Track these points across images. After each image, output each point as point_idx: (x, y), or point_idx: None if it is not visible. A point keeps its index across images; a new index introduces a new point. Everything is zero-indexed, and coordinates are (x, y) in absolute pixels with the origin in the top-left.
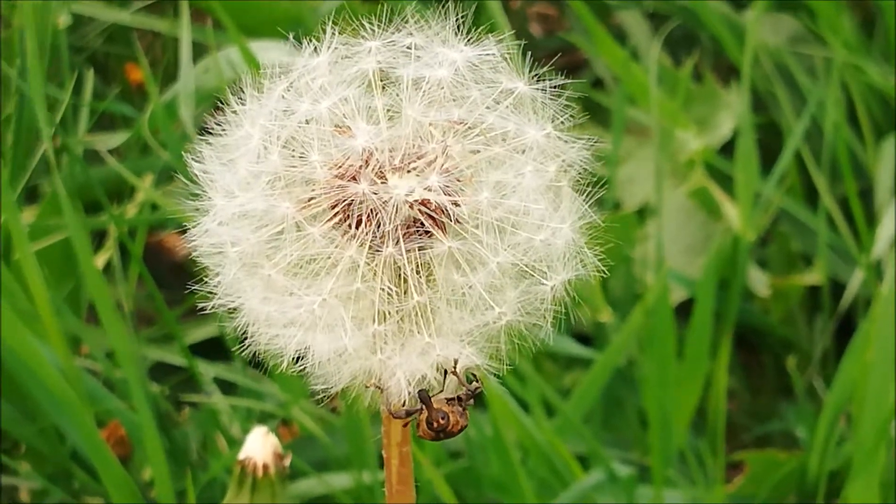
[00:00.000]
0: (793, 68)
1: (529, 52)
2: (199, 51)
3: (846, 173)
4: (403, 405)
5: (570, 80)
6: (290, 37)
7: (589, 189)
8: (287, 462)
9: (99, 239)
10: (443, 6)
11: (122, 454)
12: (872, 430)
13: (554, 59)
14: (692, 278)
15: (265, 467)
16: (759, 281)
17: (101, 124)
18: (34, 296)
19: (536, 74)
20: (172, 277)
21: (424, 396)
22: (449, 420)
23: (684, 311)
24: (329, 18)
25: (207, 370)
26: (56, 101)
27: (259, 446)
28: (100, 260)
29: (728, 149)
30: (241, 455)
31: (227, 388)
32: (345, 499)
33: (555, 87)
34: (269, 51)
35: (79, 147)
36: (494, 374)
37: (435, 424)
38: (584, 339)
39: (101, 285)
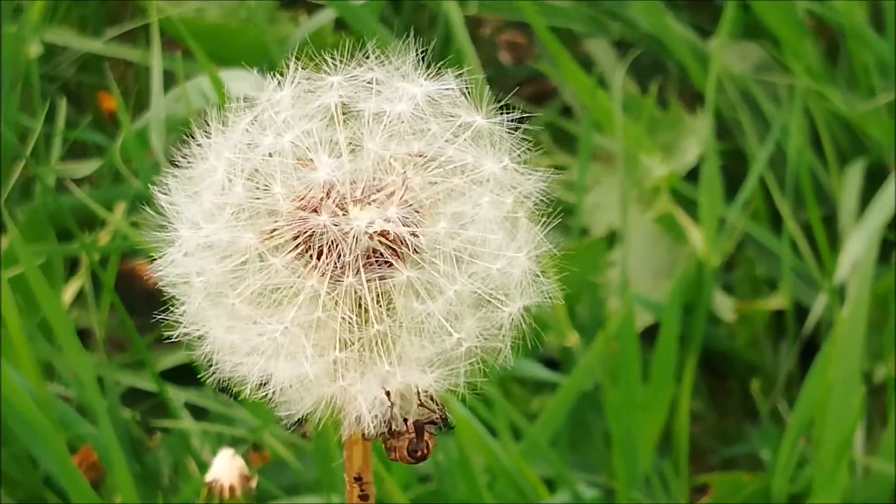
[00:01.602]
0: (757, 95)
1: (499, 81)
2: (171, 80)
3: (809, 199)
4: (389, 428)
5: (535, 110)
6: (258, 69)
7: (552, 216)
8: (254, 484)
9: (72, 266)
10: (406, 40)
11: (93, 479)
12: (833, 450)
13: (523, 88)
14: (658, 303)
15: (232, 489)
16: (725, 305)
17: (75, 152)
18: (7, 322)
19: (499, 105)
20: (145, 304)
21: (419, 426)
22: (429, 446)
23: (651, 335)
24: (295, 50)
25: (178, 395)
26: (28, 130)
27: (226, 468)
28: (72, 287)
29: (694, 175)
30: (208, 477)
31: (198, 413)
32: None
33: (514, 119)
34: (239, 80)
35: (51, 175)
36: (460, 399)
37: (419, 453)
38: (551, 363)
39: (61, 314)
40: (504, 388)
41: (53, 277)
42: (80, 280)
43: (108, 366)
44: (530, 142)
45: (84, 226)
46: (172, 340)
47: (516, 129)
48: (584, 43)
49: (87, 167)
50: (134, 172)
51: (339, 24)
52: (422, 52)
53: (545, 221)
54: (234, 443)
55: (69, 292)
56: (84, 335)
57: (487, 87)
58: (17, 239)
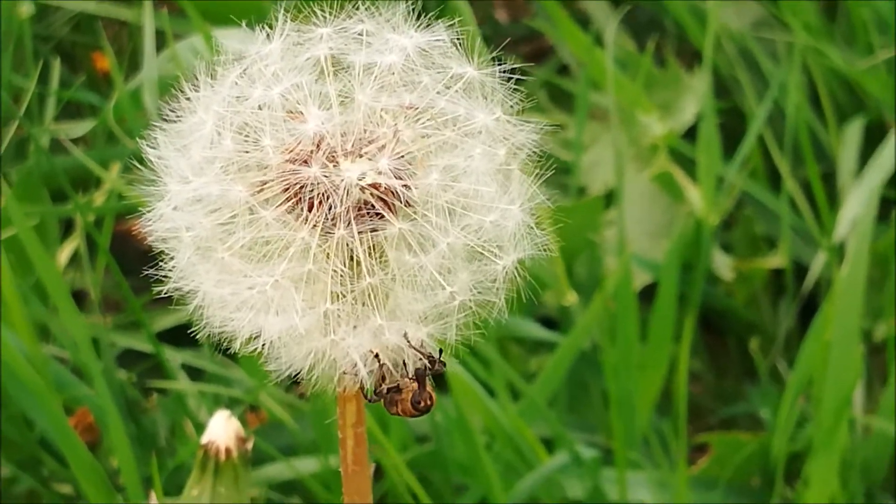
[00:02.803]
0: (755, 53)
1: (495, 39)
2: (167, 40)
3: (808, 157)
4: (384, 383)
5: (531, 68)
6: (245, 24)
7: (547, 170)
8: (250, 445)
9: (67, 227)
10: None
11: (90, 441)
12: (832, 409)
13: (519, 46)
14: (656, 262)
15: (228, 451)
16: (723, 264)
17: (69, 113)
18: (2, 284)
19: (496, 59)
20: (140, 265)
21: (421, 375)
22: (431, 397)
23: (649, 294)
24: (285, 6)
25: (175, 356)
26: (22, 90)
27: (221, 430)
28: (67, 248)
29: (692, 133)
30: (204, 439)
31: (195, 374)
32: (312, 483)
33: (506, 70)
34: (232, 39)
35: (45, 136)
36: (456, 356)
37: (422, 404)
38: (549, 323)
39: (56, 275)
40: (502, 348)
41: (48, 239)
42: (74, 241)
43: (104, 327)
44: (524, 94)
45: (78, 187)
46: (168, 301)
47: (509, 80)
48: (580, 1)
49: (81, 127)
50: (128, 132)
51: None
52: (412, 3)
53: (539, 174)
54: (231, 404)
55: (64, 253)
56: (79, 297)
57: (483, 44)
58: (10, 200)
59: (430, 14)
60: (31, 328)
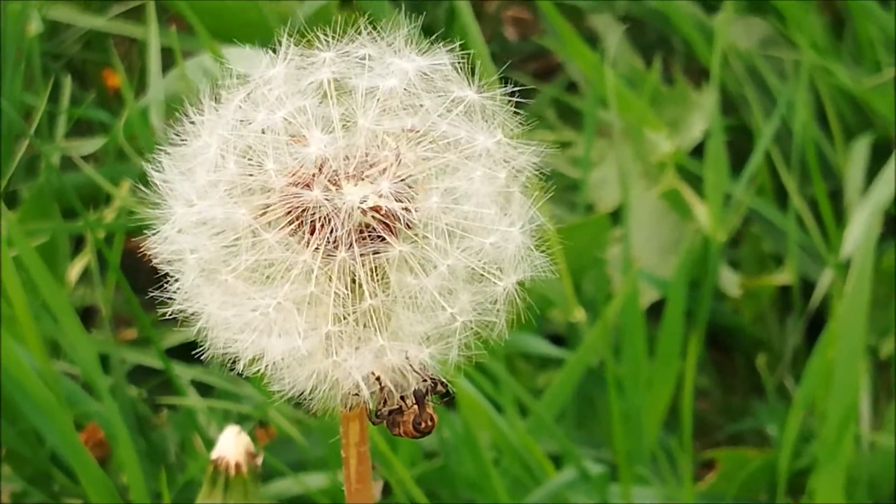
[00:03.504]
0: (763, 70)
1: (503, 56)
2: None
3: (815, 174)
4: (385, 406)
5: (540, 86)
6: (262, 45)
7: (547, 190)
8: (259, 461)
9: (77, 244)
10: (399, 15)
11: (100, 456)
12: (837, 425)
13: (528, 64)
14: (664, 279)
15: (237, 466)
16: (731, 281)
17: (80, 130)
18: (12, 300)
19: (501, 80)
20: (150, 281)
21: (420, 398)
22: (432, 419)
23: (656, 311)
24: (297, 28)
25: (185, 373)
26: (33, 108)
27: (231, 445)
28: (78, 265)
29: (699, 150)
30: (214, 454)
31: (204, 390)
32: (320, 498)
33: (508, 93)
34: (241, 58)
35: (56, 153)
36: (464, 374)
37: (423, 426)
38: (557, 339)
39: (60, 295)
40: (510, 365)
41: (59, 255)
42: (85, 258)
43: (115, 343)
44: (527, 116)
45: (89, 204)
46: (177, 317)
47: (510, 102)
48: (588, 18)
49: (91, 145)
50: (138, 150)
51: (345, 1)
52: (414, 27)
53: (543, 193)
54: (241, 420)
55: (75, 270)
56: (90, 312)
57: (491, 62)
58: (13, 223)
59: (437, 34)
60: (41, 345)
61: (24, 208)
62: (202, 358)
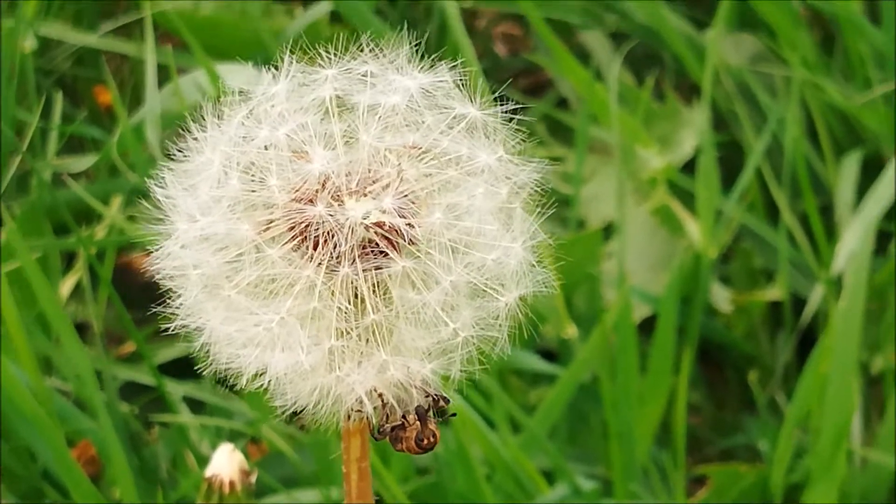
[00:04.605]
0: (753, 87)
1: (494, 73)
2: (168, 73)
3: (806, 190)
4: (387, 422)
5: (531, 102)
6: (253, 62)
7: (547, 207)
8: (253, 478)
9: (69, 260)
10: (400, 32)
11: (92, 473)
12: (830, 441)
13: (518, 80)
14: (655, 295)
15: (232, 484)
16: (722, 297)
17: (71, 146)
18: (5, 316)
19: (494, 97)
20: (142, 297)
21: (422, 414)
22: (435, 435)
23: (648, 327)
24: (290, 43)
25: (177, 389)
26: (25, 124)
27: (225, 463)
28: (70, 281)
29: (690, 166)
30: (208, 472)
31: (196, 406)
32: None
33: (508, 110)
34: (235, 74)
35: (48, 170)
36: (458, 390)
37: (425, 442)
38: (549, 355)
39: (58, 308)
40: (502, 381)
41: (51, 271)
42: (77, 274)
43: (106, 360)
44: (525, 133)
45: (81, 220)
46: (170, 333)
47: (510, 120)
48: (579, 35)
49: (83, 162)
50: (130, 166)
51: (335, 17)
52: (416, 45)
53: (541, 212)
54: (233, 436)
55: (66, 286)
56: (82, 329)
57: (483, 79)
58: (13, 233)
59: (436, 55)
60: (34, 361)
61: (17, 224)
62: (195, 374)
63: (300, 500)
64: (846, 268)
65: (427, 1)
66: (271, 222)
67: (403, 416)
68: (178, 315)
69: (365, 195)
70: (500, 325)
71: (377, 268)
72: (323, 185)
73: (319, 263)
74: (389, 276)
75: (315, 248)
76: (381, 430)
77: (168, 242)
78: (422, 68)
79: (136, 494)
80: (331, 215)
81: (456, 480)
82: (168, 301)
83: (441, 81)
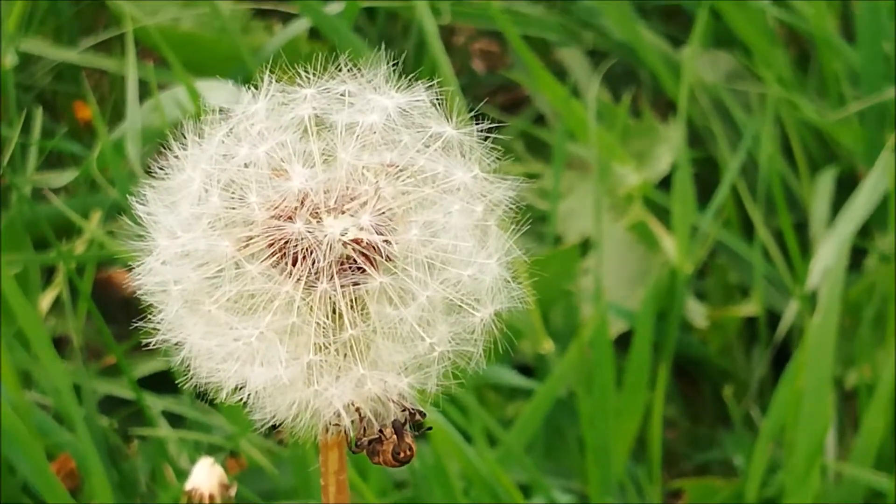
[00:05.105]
0: (729, 104)
1: (472, 89)
2: (147, 89)
3: (781, 206)
4: (364, 435)
5: (508, 118)
6: (233, 79)
7: (523, 223)
8: (233, 492)
9: (49, 275)
10: (379, 50)
11: (72, 487)
12: (804, 456)
13: (496, 96)
14: (631, 310)
15: (211, 497)
16: (697, 312)
17: (51, 162)
18: None
19: (471, 114)
20: (121, 312)
21: (398, 428)
22: (412, 448)
23: (624, 342)
24: (270, 60)
25: (156, 403)
26: (4, 140)
27: (205, 477)
28: (49, 295)
29: (667, 183)
30: (188, 485)
31: (175, 420)
32: None
33: (484, 129)
34: (214, 90)
35: (27, 185)
36: (434, 404)
37: (402, 455)
38: (526, 370)
39: (37, 323)
40: (479, 395)
41: (30, 286)
42: (57, 288)
43: (86, 374)
44: (501, 150)
45: (61, 235)
46: (149, 348)
47: (487, 138)
48: (556, 52)
49: (63, 177)
50: (110, 181)
51: (314, 34)
52: (394, 64)
53: (516, 228)
54: (212, 450)
55: (46, 300)
56: (62, 343)
57: (461, 95)
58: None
59: (414, 72)
60: (14, 374)
61: None
62: (174, 388)
63: None
64: (821, 283)
65: (406, 18)
66: (251, 239)
67: (380, 430)
68: (158, 330)
69: (343, 212)
70: (475, 341)
71: (355, 284)
72: (302, 202)
73: (298, 279)
74: (367, 291)
75: (294, 265)
76: (359, 443)
77: (149, 259)
78: (399, 88)
79: None
80: (309, 232)
81: (433, 494)
82: (148, 316)
83: (418, 101)
